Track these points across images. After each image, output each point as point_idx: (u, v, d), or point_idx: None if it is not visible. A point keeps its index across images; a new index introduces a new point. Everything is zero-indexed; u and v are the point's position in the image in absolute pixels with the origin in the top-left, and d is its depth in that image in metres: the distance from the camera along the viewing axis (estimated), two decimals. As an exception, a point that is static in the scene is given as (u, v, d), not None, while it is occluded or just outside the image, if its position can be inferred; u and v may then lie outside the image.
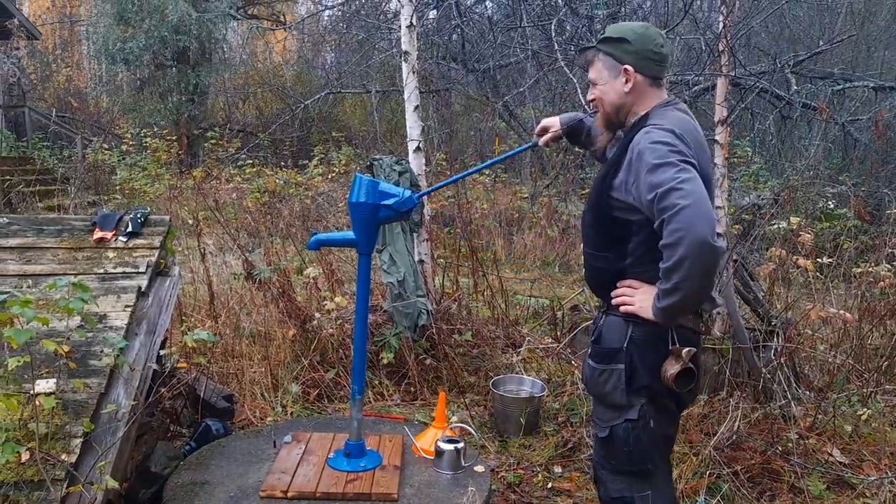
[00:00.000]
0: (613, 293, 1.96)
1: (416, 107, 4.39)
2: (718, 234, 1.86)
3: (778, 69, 7.16)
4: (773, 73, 7.04)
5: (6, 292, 2.18)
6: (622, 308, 1.92)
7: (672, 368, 1.85)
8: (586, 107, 2.36)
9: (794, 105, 8.45)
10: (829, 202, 6.42)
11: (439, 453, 2.54)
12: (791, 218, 4.66)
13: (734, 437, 3.19)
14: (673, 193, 1.67)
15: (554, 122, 2.33)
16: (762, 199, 6.94)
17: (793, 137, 9.68)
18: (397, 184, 4.01)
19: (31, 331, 1.94)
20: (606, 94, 1.97)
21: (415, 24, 4.35)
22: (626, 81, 1.93)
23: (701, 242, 1.64)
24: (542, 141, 2.36)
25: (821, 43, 10.01)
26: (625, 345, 1.90)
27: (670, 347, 1.87)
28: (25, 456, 1.95)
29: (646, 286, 1.88)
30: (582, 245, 2.12)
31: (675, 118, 1.89)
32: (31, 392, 2.06)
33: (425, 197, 4.39)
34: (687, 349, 1.85)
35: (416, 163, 4.34)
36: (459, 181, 5.47)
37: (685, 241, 1.64)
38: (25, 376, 2.09)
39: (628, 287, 1.92)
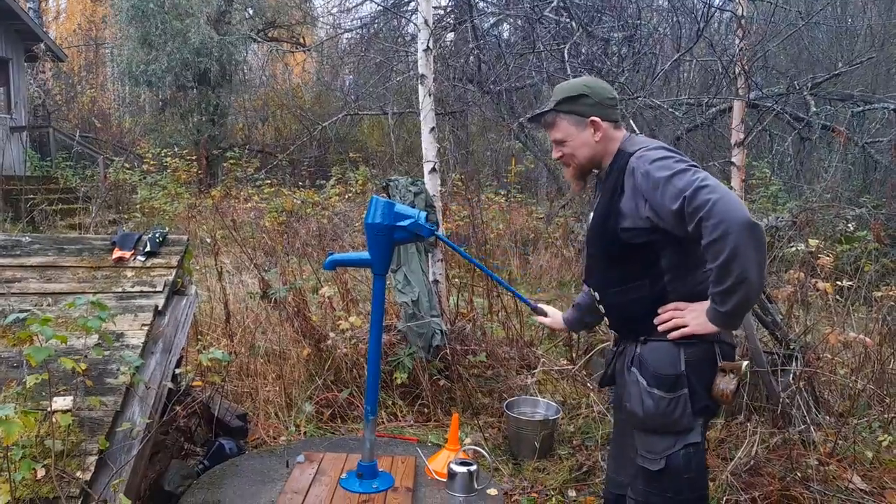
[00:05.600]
0: (658, 320, 1.92)
1: (432, 128, 4.42)
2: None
3: (796, 91, 7.15)
4: (790, 95, 7.02)
5: (26, 310, 2.22)
6: (676, 333, 1.88)
7: (730, 384, 1.84)
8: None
9: (814, 127, 8.41)
10: (849, 224, 6.34)
11: (452, 476, 2.53)
12: (810, 240, 4.62)
13: (752, 463, 3.14)
14: (701, 191, 1.70)
15: (556, 316, 2.46)
16: (780, 220, 6.88)
17: (812, 159, 9.61)
18: (412, 204, 4.03)
19: (49, 348, 1.97)
20: (578, 149, 2.03)
21: (431, 47, 4.41)
22: (595, 131, 2.00)
23: (745, 224, 1.65)
24: (539, 320, 2.52)
25: (840, 65, 9.98)
26: (683, 368, 1.88)
27: (719, 364, 1.87)
28: (41, 473, 1.97)
29: (690, 305, 1.87)
30: (598, 294, 2.10)
31: (650, 140, 1.98)
32: (49, 409, 2.08)
33: (440, 215, 4.41)
34: (745, 362, 1.87)
35: (431, 183, 4.37)
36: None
37: (732, 228, 1.66)
38: (43, 393, 2.12)
39: (674, 310, 1.90)
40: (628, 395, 1.99)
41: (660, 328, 1.92)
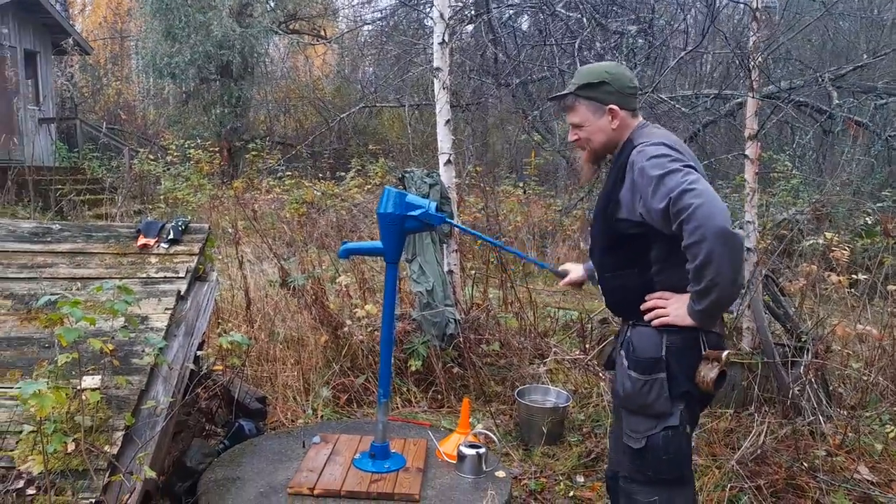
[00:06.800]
0: (644, 307, 2.01)
1: (448, 121, 4.49)
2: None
3: (816, 83, 7.08)
4: (809, 87, 6.95)
5: (58, 294, 2.34)
6: (657, 321, 1.97)
7: (711, 372, 1.90)
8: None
9: (836, 119, 8.31)
10: (868, 218, 6.30)
11: (461, 458, 2.62)
12: (826, 234, 4.62)
13: (759, 452, 3.18)
14: (685, 195, 1.75)
15: (577, 270, 2.46)
16: (802, 213, 6.84)
17: (835, 152, 9.50)
18: (427, 196, 4.11)
19: (79, 330, 2.08)
20: (594, 134, 2.09)
21: (447, 41, 4.47)
22: (613, 119, 2.05)
23: (721, 233, 1.72)
24: (562, 283, 2.50)
25: (864, 56, 9.83)
26: (663, 353, 1.96)
27: (703, 352, 1.93)
28: (72, 447, 2.09)
29: (675, 295, 1.94)
30: (597, 273, 2.20)
31: (659, 133, 2.01)
32: (79, 387, 2.20)
33: (455, 206, 4.48)
34: (726, 352, 1.91)
35: (446, 175, 4.44)
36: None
37: (708, 235, 1.72)
38: (73, 372, 2.23)
39: (659, 299, 1.98)
40: (615, 376, 2.11)
41: (646, 316, 2.00)
